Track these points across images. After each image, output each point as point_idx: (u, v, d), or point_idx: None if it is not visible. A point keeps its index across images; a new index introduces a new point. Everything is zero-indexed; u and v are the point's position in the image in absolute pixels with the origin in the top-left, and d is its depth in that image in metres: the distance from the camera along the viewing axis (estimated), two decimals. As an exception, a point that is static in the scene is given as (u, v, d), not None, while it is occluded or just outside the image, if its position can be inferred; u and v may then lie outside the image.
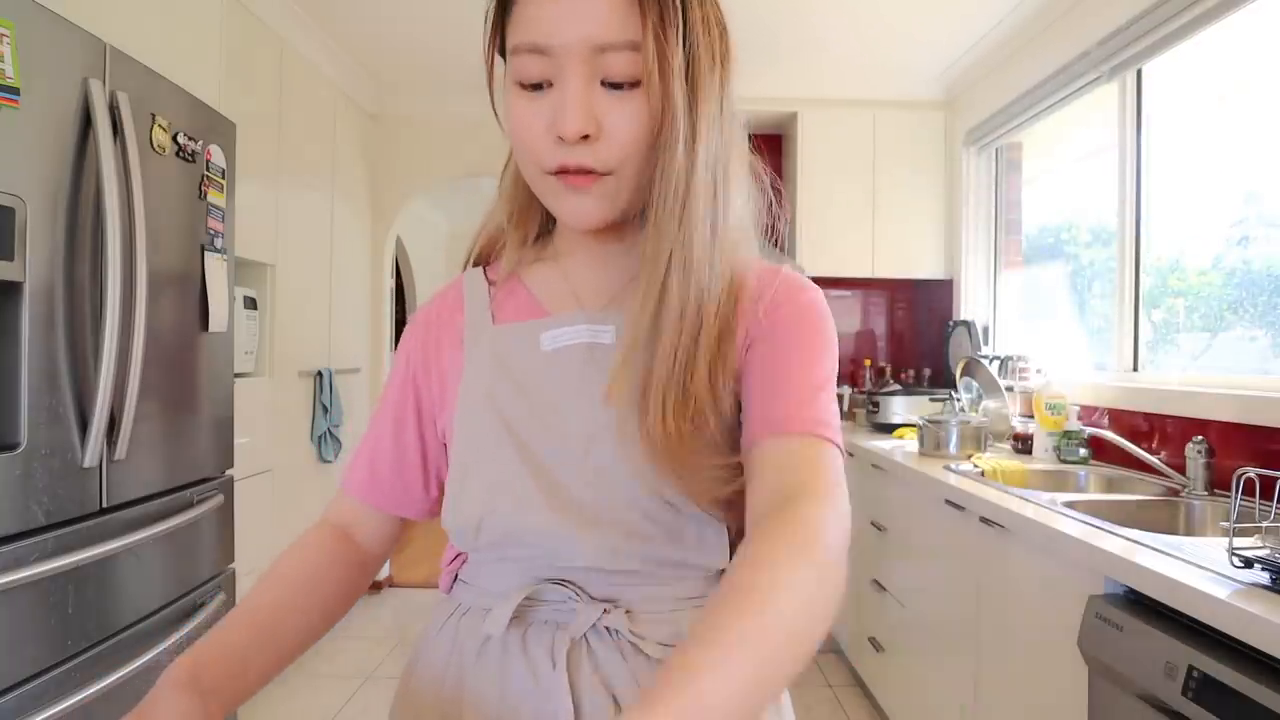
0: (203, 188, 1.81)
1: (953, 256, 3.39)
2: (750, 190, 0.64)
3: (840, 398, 3.47)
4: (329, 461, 3.16)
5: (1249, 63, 1.95)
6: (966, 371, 2.87)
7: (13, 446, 1.27)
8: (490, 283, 0.70)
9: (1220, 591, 1.02)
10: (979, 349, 3.09)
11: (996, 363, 2.83)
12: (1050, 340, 2.85)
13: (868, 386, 3.51)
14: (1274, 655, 0.92)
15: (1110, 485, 2.02)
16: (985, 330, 3.20)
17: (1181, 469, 1.79)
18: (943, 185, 3.43)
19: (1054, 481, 2.08)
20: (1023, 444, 2.40)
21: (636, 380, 0.57)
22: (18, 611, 1.25)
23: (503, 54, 0.59)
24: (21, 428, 1.28)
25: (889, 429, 3.01)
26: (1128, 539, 1.30)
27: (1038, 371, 2.70)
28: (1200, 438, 1.75)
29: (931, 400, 3.03)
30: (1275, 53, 1.85)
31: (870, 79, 3.37)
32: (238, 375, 2.21)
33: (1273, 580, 1.03)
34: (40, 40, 1.29)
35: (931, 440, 2.38)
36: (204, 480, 1.85)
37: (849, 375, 3.64)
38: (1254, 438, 1.68)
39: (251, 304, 2.56)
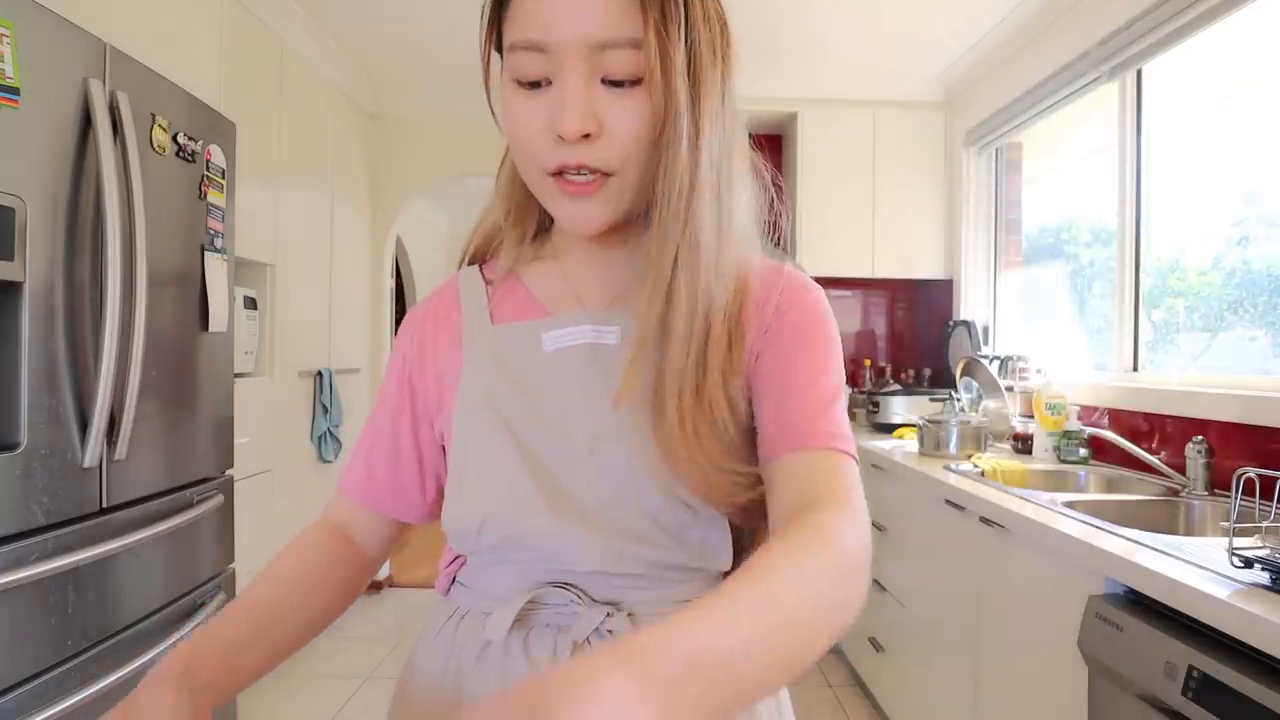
0: (203, 188, 1.81)
1: (953, 256, 3.39)
2: (752, 187, 0.63)
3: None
4: (329, 461, 3.16)
5: (1249, 63, 1.95)
6: (966, 371, 2.87)
7: (13, 446, 1.27)
8: (487, 281, 0.69)
9: (1220, 591, 1.02)
10: (979, 349, 3.09)
11: (996, 363, 2.83)
12: (1050, 340, 2.85)
13: (868, 386, 3.51)
14: (1274, 655, 0.92)
15: (1110, 485, 2.02)
16: (985, 330, 3.20)
17: (1181, 469, 1.79)
18: (943, 185, 3.43)
19: (1054, 481, 2.08)
20: (1023, 444, 2.40)
21: (648, 381, 0.56)
22: (18, 611, 1.25)
23: (499, 50, 0.58)
24: (21, 428, 1.28)
25: (889, 429, 3.01)
26: (1128, 539, 1.30)
27: (1038, 371, 2.70)
28: (1200, 438, 1.75)
29: (931, 400, 3.03)
30: (1275, 53, 1.85)
31: (870, 79, 3.37)
32: (238, 375, 2.21)
33: (1273, 580, 1.03)
34: (40, 40, 1.29)
35: (931, 440, 2.38)
36: (204, 480, 1.85)
37: (849, 375, 3.64)
38: (1254, 438, 1.68)
39: (251, 304, 2.56)
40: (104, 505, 1.47)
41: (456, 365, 0.66)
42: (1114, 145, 2.31)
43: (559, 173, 0.56)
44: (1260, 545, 1.11)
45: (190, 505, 1.74)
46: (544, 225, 0.70)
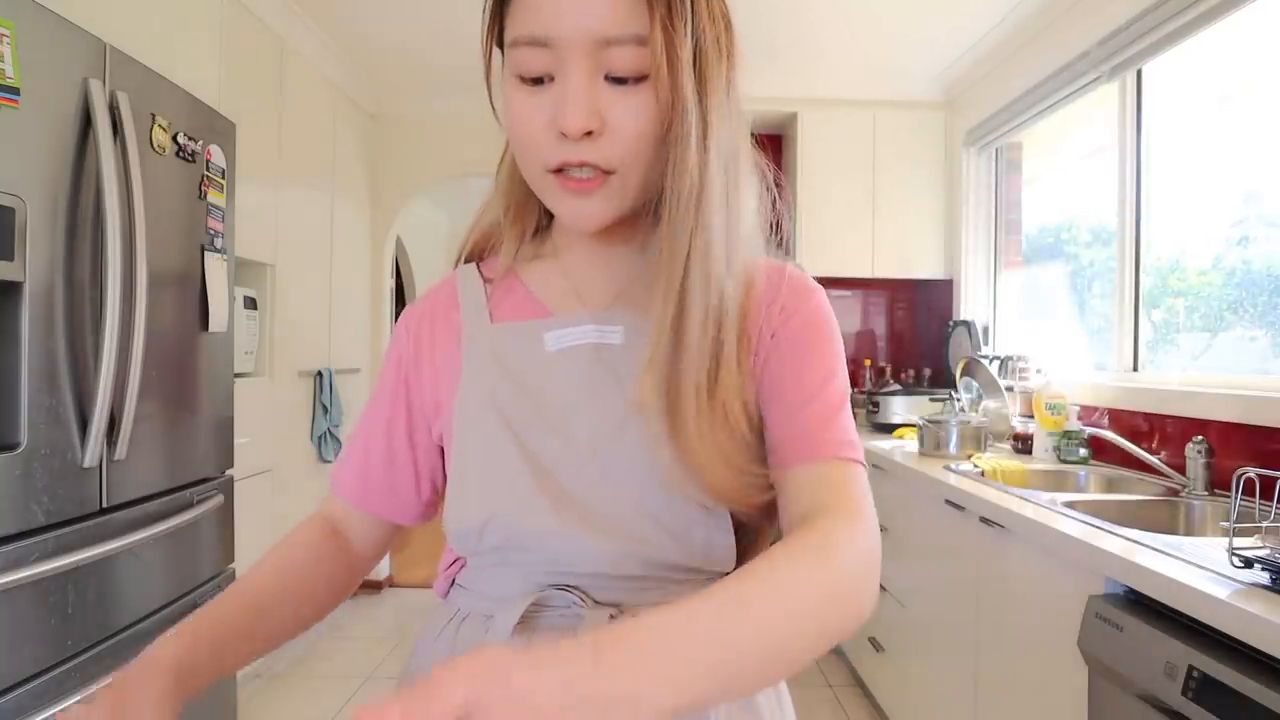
0: (203, 188, 1.81)
1: (953, 256, 3.39)
2: (757, 187, 0.63)
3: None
4: (329, 461, 3.16)
5: (1249, 63, 1.95)
6: (966, 371, 2.87)
7: (13, 446, 1.27)
8: (485, 280, 0.68)
9: (1220, 591, 1.02)
10: (979, 349, 3.09)
11: (996, 363, 2.83)
12: (1050, 340, 2.85)
13: (868, 386, 3.51)
14: (1274, 655, 0.92)
15: (1110, 485, 2.02)
16: (985, 330, 3.20)
17: (1181, 469, 1.79)
18: (943, 185, 3.43)
19: (1054, 481, 2.08)
20: (1023, 444, 2.40)
21: (660, 382, 0.55)
22: (18, 611, 1.25)
23: (501, 46, 0.58)
24: (21, 428, 1.28)
25: (889, 429, 3.01)
26: (1128, 539, 1.30)
27: (1038, 371, 2.70)
28: (1200, 438, 1.75)
29: (931, 400, 3.03)
30: (1275, 53, 1.85)
31: (870, 79, 3.37)
32: (238, 375, 2.21)
33: (1273, 580, 1.03)
34: (40, 40, 1.29)
35: (931, 440, 2.38)
36: (204, 480, 1.85)
37: (849, 375, 3.63)
38: (1254, 438, 1.68)
39: (251, 304, 2.56)
40: (104, 505, 1.47)
41: (455, 365, 0.65)
42: (1114, 145, 2.31)
43: (560, 170, 0.55)
44: (1260, 545, 1.11)
45: (190, 505, 1.74)
46: (543, 223, 0.70)
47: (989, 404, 2.73)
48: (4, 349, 1.27)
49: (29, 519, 1.28)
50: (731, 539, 0.59)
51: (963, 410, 2.74)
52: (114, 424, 1.46)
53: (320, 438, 3.12)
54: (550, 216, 0.68)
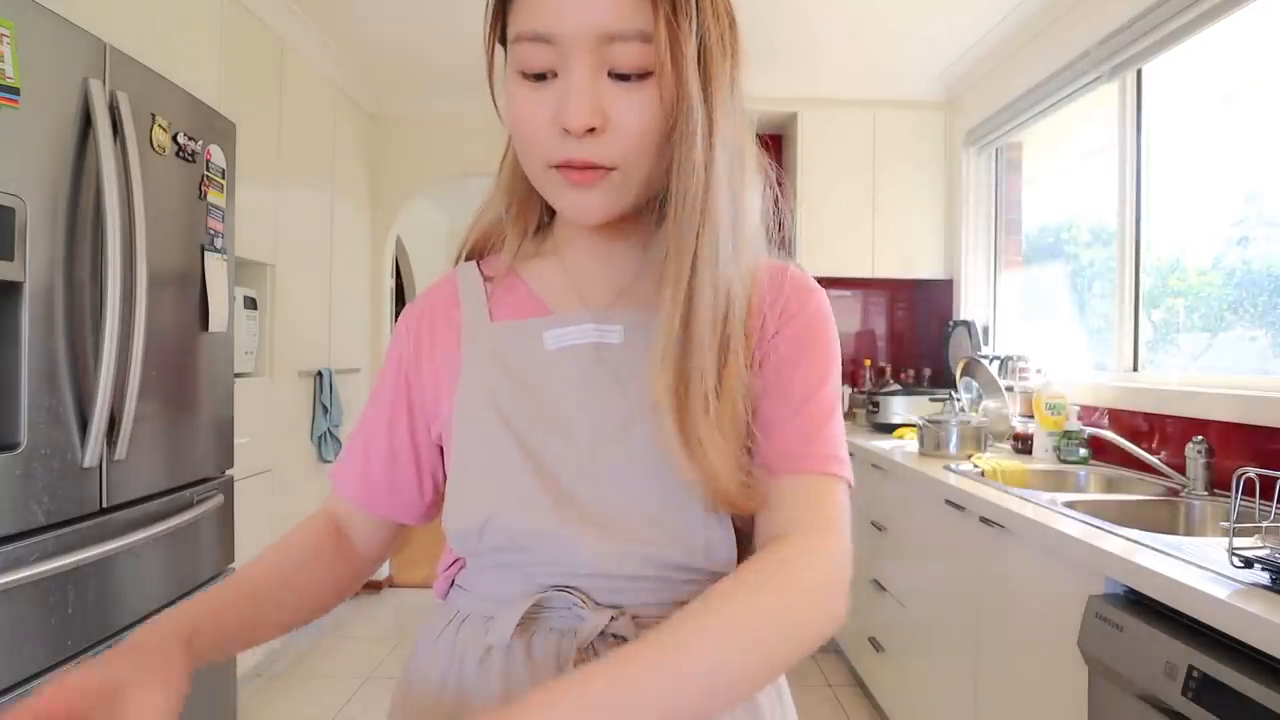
0: (203, 188, 1.81)
1: (953, 256, 3.39)
2: (760, 186, 0.63)
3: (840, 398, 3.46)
4: (329, 461, 3.16)
5: (1249, 62, 1.95)
6: (966, 371, 2.87)
7: (13, 446, 1.27)
8: (486, 278, 0.68)
9: (1220, 591, 1.02)
10: (979, 349, 3.09)
11: (996, 363, 2.83)
12: (1050, 340, 2.85)
13: (868, 386, 3.51)
14: (1274, 655, 0.92)
15: (1110, 485, 2.02)
16: (985, 330, 3.20)
17: (1181, 469, 1.79)
18: (943, 185, 3.43)
19: (1054, 481, 2.08)
20: (1023, 444, 2.40)
21: (671, 380, 0.55)
22: (18, 611, 1.25)
23: (503, 43, 0.57)
24: (21, 428, 1.28)
25: (889, 429, 3.01)
26: (1128, 539, 1.30)
27: (1038, 371, 2.70)
28: (1200, 438, 1.75)
29: (931, 400, 3.03)
30: (1275, 52, 1.85)
31: (870, 79, 3.37)
32: (238, 375, 2.21)
33: (1273, 580, 1.03)
34: (40, 40, 1.29)
35: (931, 440, 2.38)
36: (204, 480, 1.85)
37: (849, 375, 3.64)
38: (1254, 438, 1.68)
39: (251, 304, 2.56)
40: (104, 505, 1.47)
41: (455, 364, 0.65)
42: (1114, 145, 2.31)
43: (563, 167, 0.55)
44: (1260, 545, 1.11)
45: (190, 505, 1.74)
46: (545, 220, 0.69)
47: (989, 404, 2.73)
48: (4, 349, 1.27)
49: (29, 519, 1.28)
50: (733, 539, 0.59)
51: (963, 410, 2.74)
52: (114, 424, 1.46)
53: (320, 438, 3.12)
54: (552, 214, 0.68)
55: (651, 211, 0.60)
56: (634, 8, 0.51)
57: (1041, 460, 2.23)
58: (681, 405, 0.55)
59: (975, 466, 2.07)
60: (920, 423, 2.45)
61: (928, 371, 3.52)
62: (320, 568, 0.66)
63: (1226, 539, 1.11)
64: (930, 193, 3.43)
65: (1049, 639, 1.41)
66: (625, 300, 0.63)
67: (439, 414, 0.66)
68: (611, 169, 0.55)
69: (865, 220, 3.42)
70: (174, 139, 1.68)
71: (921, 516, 2.10)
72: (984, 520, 1.68)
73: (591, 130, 0.53)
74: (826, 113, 3.42)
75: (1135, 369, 2.24)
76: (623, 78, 0.53)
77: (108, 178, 1.39)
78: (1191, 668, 1.02)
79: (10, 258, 1.24)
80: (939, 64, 3.26)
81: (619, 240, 0.64)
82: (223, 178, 1.90)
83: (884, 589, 2.38)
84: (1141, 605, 1.18)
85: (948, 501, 1.88)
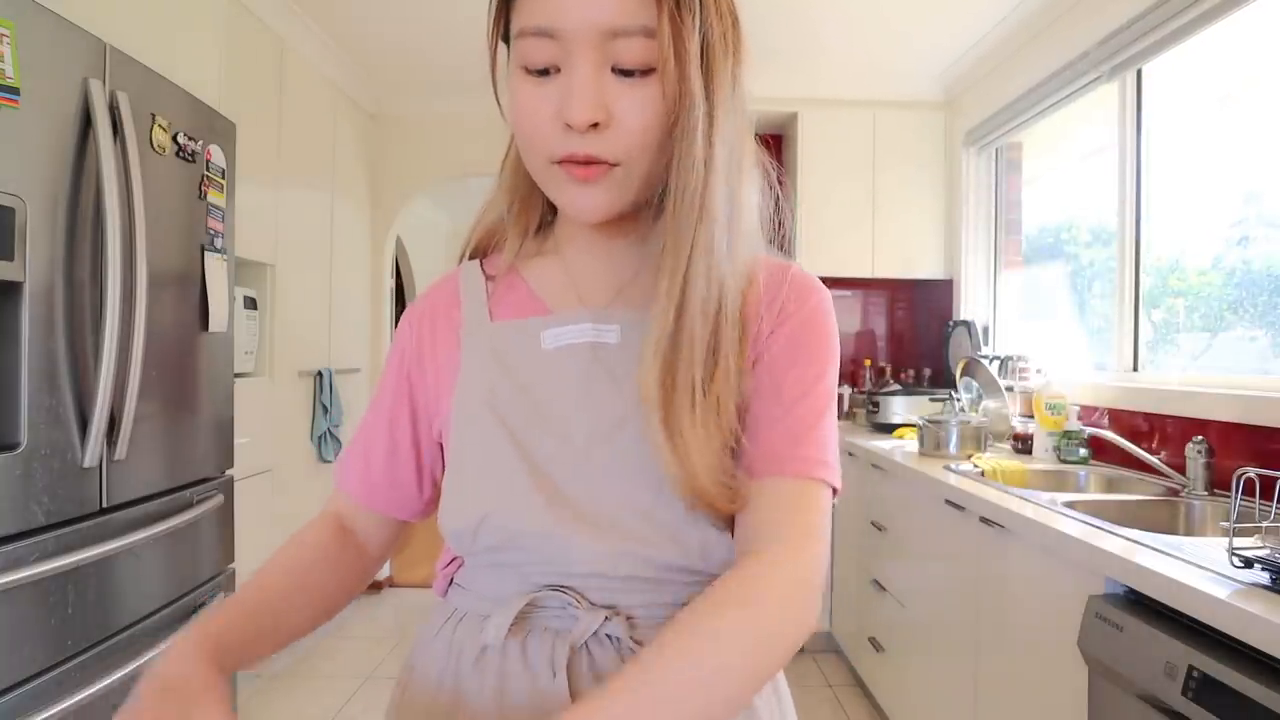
0: (203, 188, 1.81)
1: (953, 256, 3.39)
2: (759, 185, 0.63)
3: (840, 398, 3.47)
4: (329, 461, 3.16)
5: (1249, 63, 1.95)
6: (966, 371, 2.87)
7: (13, 446, 1.27)
8: (488, 277, 0.68)
9: (1220, 591, 1.02)
10: (979, 349, 3.09)
11: (996, 363, 2.83)
12: (1050, 340, 2.85)
13: (868, 386, 3.51)
14: (1274, 655, 0.92)
15: (1110, 485, 2.02)
16: (985, 330, 3.20)
17: (1181, 469, 1.79)
18: (943, 185, 3.43)
19: (1054, 481, 2.08)
20: (1023, 444, 2.40)
21: (659, 374, 0.55)
22: (18, 611, 1.25)
23: (506, 40, 0.58)
24: (21, 428, 1.28)
25: (889, 429, 3.01)
26: (1128, 539, 1.30)
27: (1038, 371, 2.70)
28: (1200, 438, 1.75)
29: (931, 400, 3.03)
30: (1275, 53, 1.85)
31: (870, 79, 3.37)
32: (238, 375, 2.21)
33: (1273, 580, 1.03)
34: (40, 40, 1.29)
35: (931, 440, 2.38)
36: (204, 480, 1.85)
37: (849, 375, 3.64)
38: (1254, 438, 1.68)
39: (251, 304, 2.56)
40: (104, 505, 1.47)
41: (455, 362, 0.65)
42: (1114, 145, 2.31)
43: (565, 163, 0.55)
44: (1260, 545, 1.11)
45: (190, 505, 1.74)
46: (547, 219, 0.69)
47: (989, 404, 2.73)
48: (4, 349, 1.27)
49: (29, 519, 1.28)
50: (729, 538, 0.58)
51: (963, 410, 2.74)
52: (114, 424, 1.46)
53: (320, 438, 3.12)
54: (554, 212, 0.68)
55: (651, 208, 0.60)
56: (638, 4, 0.51)
57: (1041, 460, 2.23)
58: (668, 399, 0.55)
59: (975, 466, 2.07)
60: (920, 423, 2.45)
61: (928, 371, 3.52)
62: (329, 568, 0.66)
63: (1226, 539, 1.11)
64: (930, 193, 3.43)
65: (1049, 639, 1.41)
66: (623, 299, 0.63)
67: (440, 412, 0.66)
68: (614, 164, 0.55)
69: (865, 220, 3.42)
70: (174, 139, 1.68)
71: (921, 516, 2.10)
72: (984, 520, 1.68)
73: (594, 125, 0.53)
74: (827, 113, 3.42)
75: (1135, 369, 2.24)
76: (626, 74, 0.53)
77: (108, 178, 1.39)
78: (1191, 668, 1.02)
79: (10, 258, 1.24)
80: (939, 64, 3.26)
81: (618, 238, 0.64)
82: (223, 178, 1.90)
83: (884, 589, 2.38)
84: (1141, 605, 1.18)
85: (948, 501, 1.88)
